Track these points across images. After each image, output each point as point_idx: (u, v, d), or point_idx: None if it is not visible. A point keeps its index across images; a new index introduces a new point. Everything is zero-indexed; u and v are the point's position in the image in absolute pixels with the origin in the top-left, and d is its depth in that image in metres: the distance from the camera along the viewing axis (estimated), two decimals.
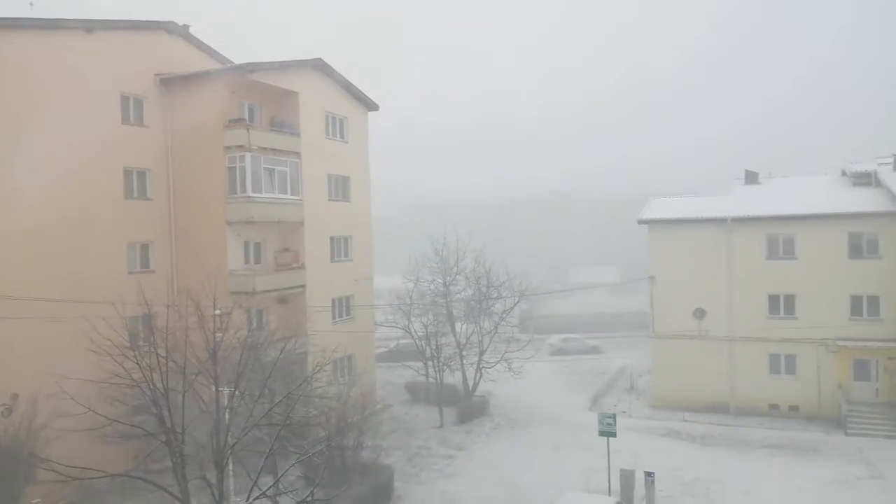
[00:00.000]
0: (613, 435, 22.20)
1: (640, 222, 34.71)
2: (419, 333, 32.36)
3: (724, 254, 32.60)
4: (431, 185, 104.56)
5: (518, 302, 36.60)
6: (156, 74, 25.85)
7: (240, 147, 25.51)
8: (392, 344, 43.56)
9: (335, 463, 20.65)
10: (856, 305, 30.72)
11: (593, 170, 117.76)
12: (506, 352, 32.70)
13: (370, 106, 33.35)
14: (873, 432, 28.51)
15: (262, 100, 28.19)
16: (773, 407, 31.86)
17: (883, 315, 30.17)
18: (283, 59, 27.82)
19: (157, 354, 14.83)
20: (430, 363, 32.20)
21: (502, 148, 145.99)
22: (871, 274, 30.30)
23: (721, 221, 32.77)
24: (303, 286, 28.01)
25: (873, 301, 30.45)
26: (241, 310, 24.02)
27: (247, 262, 27.01)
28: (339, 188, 31.41)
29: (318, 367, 19.01)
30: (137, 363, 14.89)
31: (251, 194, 25.59)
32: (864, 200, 31.92)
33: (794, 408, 31.50)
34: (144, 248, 25.51)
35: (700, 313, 32.85)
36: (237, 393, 16.29)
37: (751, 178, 38.62)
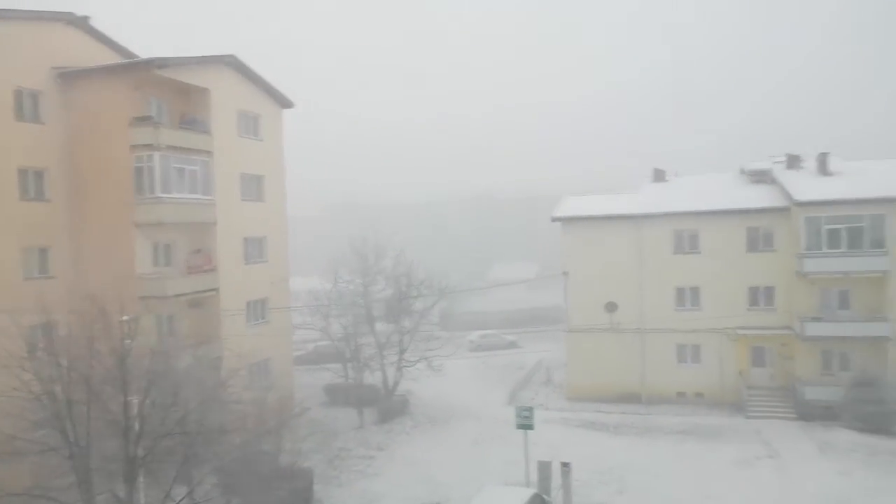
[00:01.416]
0: (531, 428, 22.73)
1: (554, 220, 35.65)
2: (338, 335, 32.08)
3: (634, 249, 33.93)
4: (361, 184, 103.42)
5: (438, 300, 36.86)
6: (53, 68, 24.49)
7: (148, 146, 24.50)
8: (311, 346, 42.97)
9: (253, 469, 20.23)
10: (753, 296, 32.67)
11: (526, 170, 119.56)
12: (426, 350, 32.86)
13: (285, 103, 32.78)
14: (770, 414, 30.42)
15: (171, 97, 27.17)
16: (681, 395, 33.45)
17: (777, 305, 32.22)
18: (193, 55, 26.93)
19: (59, 364, 14.12)
20: (349, 364, 31.99)
21: (442, 148, 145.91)
22: (766, 266, 32.28)
23: (631, 218, 34.09)
24: (216, 289, 27.23)
25: (769, 292, 32.46)
26: (151, 315, 23.10)
27: (156, 265, 26.01)
28: (253, 187, 30.71)
29: (232, 373, 18.56)
30: (36, 375, 14.12)
31: (160, 195, 24.64)
32: (760, 197, 33.93)
33: (699, 395, 33.18)
34: (43, 252, 24.11)
35: (612, 307, 34.05)
36: (147, 401, 15.71)
37: (658, 175, 40.28)
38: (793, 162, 36.05)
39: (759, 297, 32.62)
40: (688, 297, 33.50)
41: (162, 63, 25.08)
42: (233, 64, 29.18)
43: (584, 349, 34.35)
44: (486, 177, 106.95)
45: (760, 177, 36.44)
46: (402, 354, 32.80)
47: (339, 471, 25.32)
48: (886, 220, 29.54)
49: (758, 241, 32.75)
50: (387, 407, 32.12)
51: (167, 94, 26.87)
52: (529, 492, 20.20)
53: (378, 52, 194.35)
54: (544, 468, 22.09)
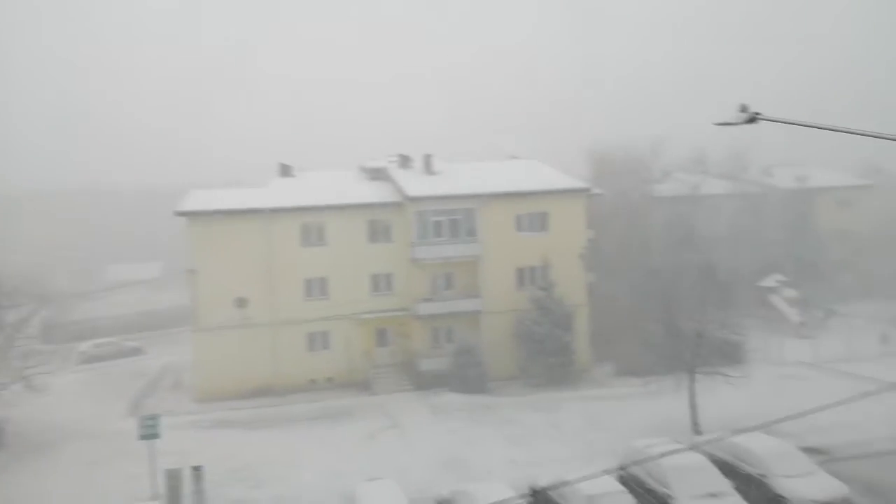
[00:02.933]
0: (157, 437, 21.12)
1: (179, 214, 33.62)
2: None
3: (264, 243, 33.90)
4: None
5: (37, 309, 31.77)
6: None
7: None
8: None
9: None
10: (375, 283, 35.40)
11: (144, 160, 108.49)
12: (24, 368, 28.06)
13: None
14: (393, 389, 33.39)
15: None
16: (313, 382, 34.59)
17: (395, 289, 35.47)
18: None
19: None
20: None
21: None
22: (386, 255, 35.25)
23: (260, 212, 33.95)
24: None
25: (388, 278, 35.52)
26: None
27: None
28: None
29: None
30: None
31: None
32: (379, 193, 36.88)
33: (330, 379, 34.74)
34: None
35: (242, 302, 33.52)
36: None
37: (285, 171, 40.88)
38: (404, 161, 39.97)
39: (381, 283, 35.47)
40: (316, 287, 34.74)
41: None
42: None
43: (214, 348, 33.17)
44: (98, 166, 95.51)
45: (377, 174, 39.63)
46: None
47: None
48: (476, 213, 34.72)
49: (378, 233, 35.54)
50: None
51: None
52: None
53: None
54: (173, 476, 20.72)
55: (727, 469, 19.81)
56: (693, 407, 25.31)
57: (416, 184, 36.01)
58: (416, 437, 26.79)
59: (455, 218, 34.64)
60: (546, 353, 32.90)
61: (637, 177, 46.00)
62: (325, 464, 24.18)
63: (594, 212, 38.15)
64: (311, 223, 34.71)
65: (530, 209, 35.44)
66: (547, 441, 25.61)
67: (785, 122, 8.08)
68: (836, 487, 18.46)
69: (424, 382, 33.46)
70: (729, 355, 29.25)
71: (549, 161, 41.73)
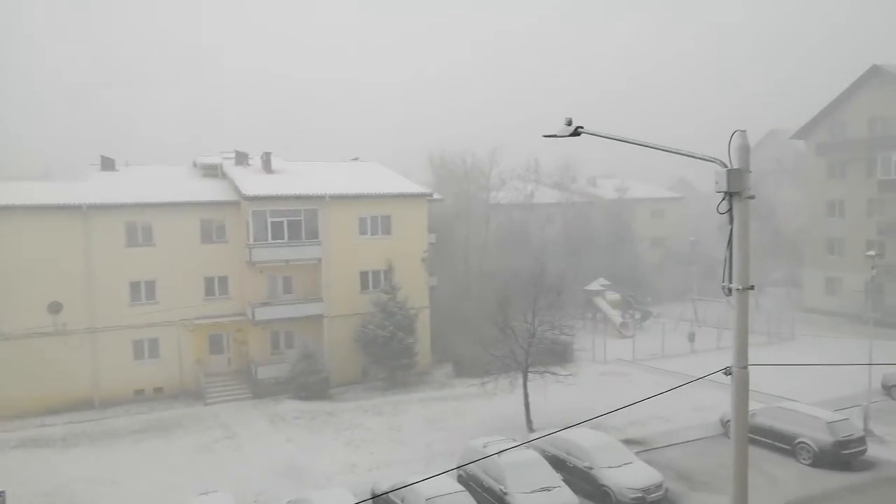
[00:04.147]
0: None
1: None
2: None
3: (81, 242, 30.99)
4: None
5: None
6: None
7: None
8: None
9: None
10: (209, 286, 33.62)
11: None
12: None
13: None
14: (228, 398, 31.89)
15: None
16: (139, 392, 32.16)
17: (231, 293, 33.91)
18: None
19: None
20: None
21: None
22: (221, 257, 33.60)
23: (76, 208, 30.98)
24: None
25: (223, 281, 33.88)
26: None
27: None
28: None
29: None
30: None
31: None
32: (213, 190, 35.08)
33: (158, 389, 32.47)
34: None
35: (56, 307, 30.43)
36: None
37: (107, 164, 37.69)
38: (241, 159, 38.37)
39: (215, 286, 33.74)
40: (143, 291, 32.34)
41: None
42: None
43: (20, 358, 29.76)
44: None
45: (212, 171, 37.71)
46: None
47: None
48: (319, 214, 34.10)
49: (212, 233, 33.78)
50: None
51: None
52: None
53: None
54: None
55: (558, 463, 21.05)
56: (527, 405, 26.59)
57: (253, 182, 34.70)
58: (252, 447, 25.77)
59: (295, 219, 33.79)
60: (389, 357, 33.04)
61: (475, 183, 47.62)
62: (154, 479, 22.57)
63: (435, 216, 38.97)
64: (136, 221, 32.23)
65: (373, 212, 35.43)
66: (388, 445, 25.69)
67: (604, 136, 8.70)
68: (651, 475, 20.20)
69: (263, 390, 32.31)
70: (559, 355, 31.10)
71: (390, 165, 42.07)
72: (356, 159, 43.80)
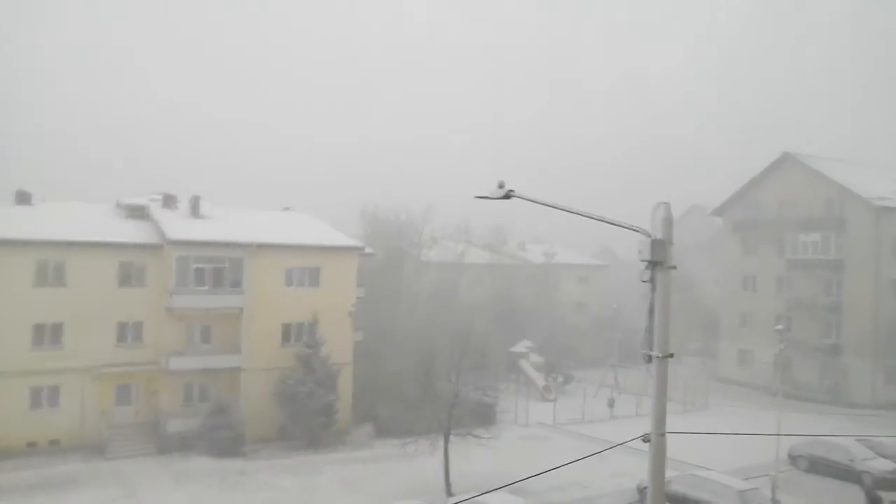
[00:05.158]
0: None
1: None
2: None
3: None
4: None
5: None
6: None
7: None
8: None
9: None
10: (122, 332, 31.96)
11: None
12: None
13: None
14: (132, 453, 29.96)
15: None
16: (32, 445, 29.75)
17: (145, 340, 32.31)
18: None
19: None
20: None
21: None
22: (138, 301, 32.09)
23: None
24: None
25: (138, 327, 32.29)
26: None
27: None
28: None
29: None
30: None
31: None
32: (136, 232, 33.78)
33: (54, 442, 30.15)
34: None
35: None
36: None
37: (22, 198, 35.84)
38: (168, 201, 37.26)
39: (128, 332, 32.08)
40: (48, 334, 30.42)
41: None
42: None
43: None
44: None
45: (136, 212, 36.40)
46: None
47: None
48: (244, 262, 33.26)
49: (130, 276, 32.34)
50: None
51: None
52: None
53: None
54: None
55: None
56: (446, 468, 26.09)
57: (179, 226, 33.65)
58: None
59: (220, 266, 32.84)
60: (308, 414, 31.96)
61: (407, 240, 47.77)
62: None
63: (364, 271, 38.66)
64: (47, 260, 30.55)
65: (302, 263, 34.85)
66: None
67: (533, 201, 8.86)
68: None
69: (171, 445, 30.55)
70: (482, 416, 30.85)
71: (322, 217, 41.69)
72: (288, 209, 43.26)
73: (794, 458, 30.90)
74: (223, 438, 30.34)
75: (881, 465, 28.17)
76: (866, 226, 46.08)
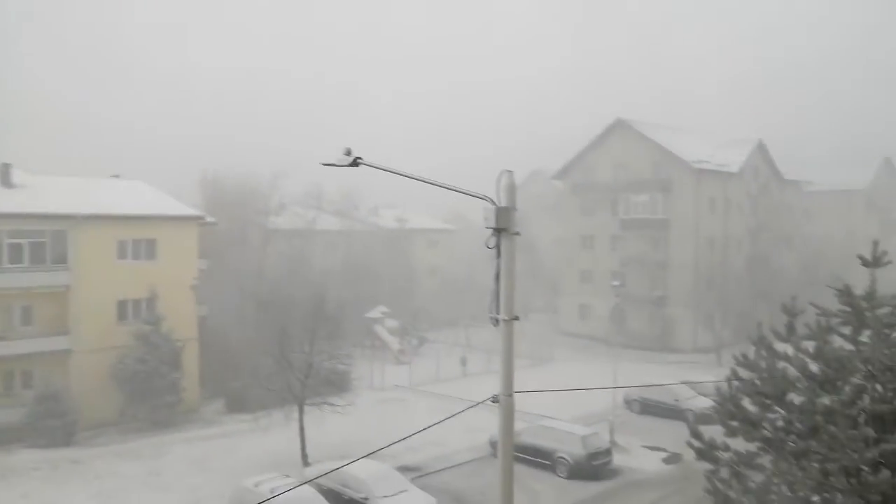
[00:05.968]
0: None
1: None
2: None
3: None
4: None
5: None
6: None
7: None
8: None
9: None
10: None
11: None
12: None
13: None
14: None
15: None
16: None
17: None
18: None
19: None
20: None
21: None
22: None
23: None
24: None
25: None
26: None
27: None
28: None
29: None
30: None
31: None
32: None
33: None
34: None
35: None
36: None
37: None
38: None
39: None
40: None
41: None
42: None
43: None
44: None
45: None
46: None
47: None
48: (68, 235, 30.33)
49: None
50: None
51: None
52: None
53: None
54: None
55: (335, 497, 20.54)
56: (302, 439, 25.69)
57: None
58: None
59: (39, 241, 29.73)
60: (151, 394, 30.09)
61: (253, 208, 45.86)
62: None
63: (207, 241, 36.66)
64: None
65: (135, 235, 32.37)
66: (146, 492, 23.26)
67: (379, 168, 8.68)
68: (425, 501, 20.49)
69: None
70: (337, 384, 30.63)
71: (158, 185, 38.84)
72: (117, 176, 39.78)
73: (628, 403, 33.65)
74: (52, 427, 27.84)
75: (701, 403, 31.37)
76: (687, 187, 50.45)
